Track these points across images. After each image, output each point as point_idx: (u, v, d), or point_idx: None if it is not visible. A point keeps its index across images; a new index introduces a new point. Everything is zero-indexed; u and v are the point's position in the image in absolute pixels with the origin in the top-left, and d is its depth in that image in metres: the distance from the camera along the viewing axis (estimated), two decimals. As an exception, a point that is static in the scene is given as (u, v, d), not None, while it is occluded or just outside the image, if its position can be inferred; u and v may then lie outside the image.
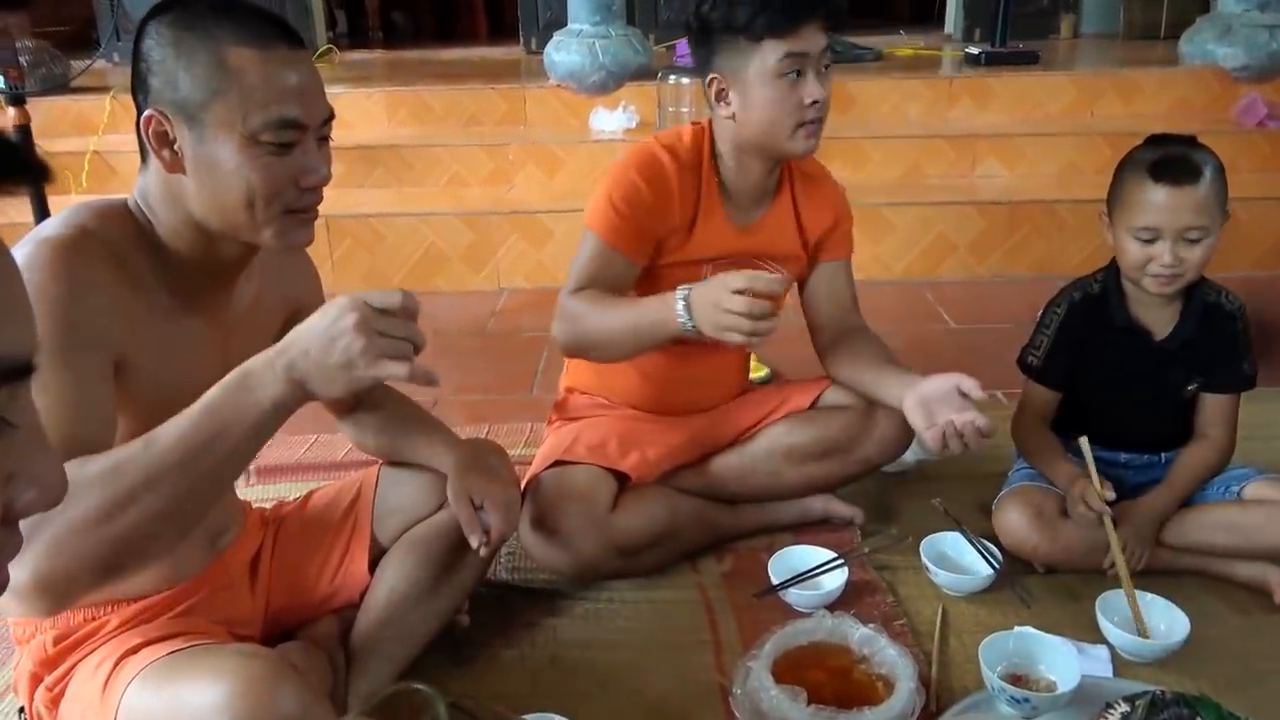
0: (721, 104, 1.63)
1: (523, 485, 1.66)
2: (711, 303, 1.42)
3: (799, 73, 1.55)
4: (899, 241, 3.47)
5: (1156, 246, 1.55)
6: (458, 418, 2.34)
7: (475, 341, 3.05)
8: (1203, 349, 1.66)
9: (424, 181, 3.81)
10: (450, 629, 1.53)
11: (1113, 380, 1.70)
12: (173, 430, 0.95)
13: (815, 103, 1.56)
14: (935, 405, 1.52)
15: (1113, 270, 1.68)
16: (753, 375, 2.43)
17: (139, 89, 1.09)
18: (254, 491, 2.01)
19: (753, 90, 1.58)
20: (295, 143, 1.08)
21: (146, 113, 1.07)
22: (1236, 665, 1.48)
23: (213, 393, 0.98)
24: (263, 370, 0.98)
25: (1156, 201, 1.54)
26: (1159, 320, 1.66)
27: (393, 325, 0.99)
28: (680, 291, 1.47)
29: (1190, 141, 1.59)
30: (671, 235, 1.67)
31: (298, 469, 2.14)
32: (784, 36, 1.53)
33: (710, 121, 1.70)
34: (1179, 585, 1.63)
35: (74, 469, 0.91)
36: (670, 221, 1.65)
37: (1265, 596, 1.62)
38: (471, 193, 3.77)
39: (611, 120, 3.84)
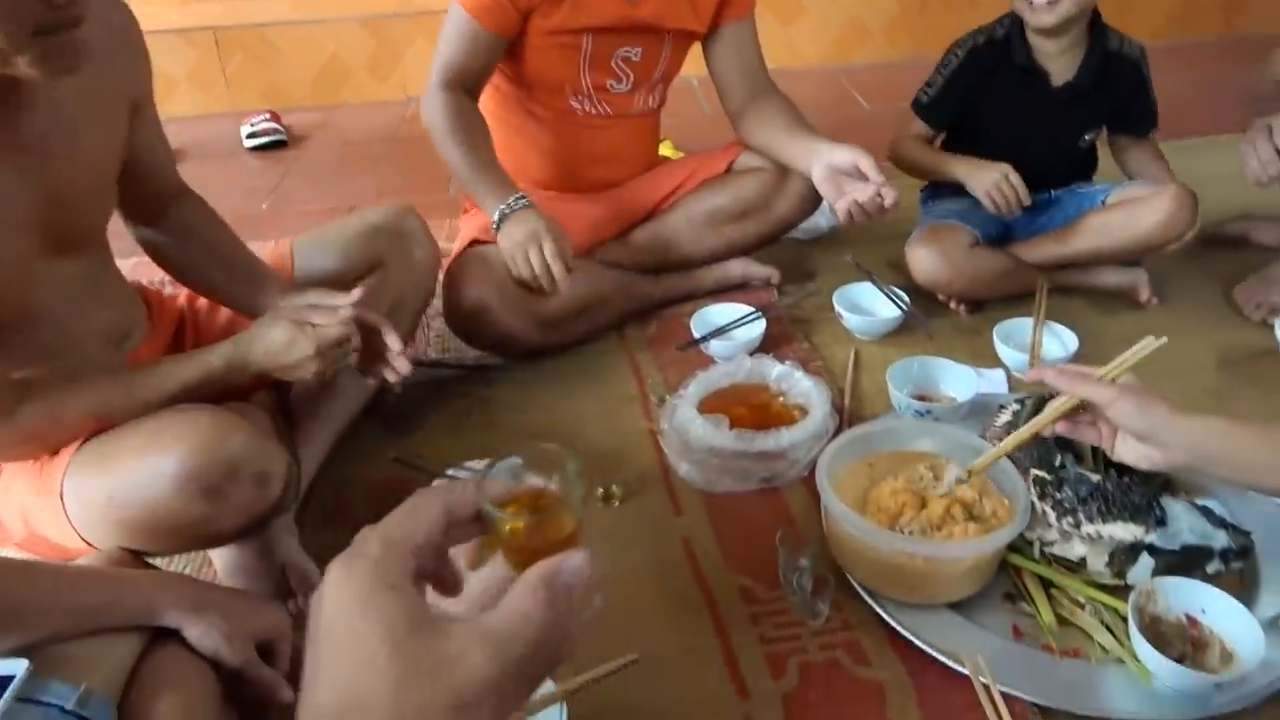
0: None
1: (444, 269, 1.68)
2: (518, 241, 1.55)
3: None
4: (811, 24, 3.42)
5: None
6: (376, 220, 2.32)
7: (387, 148, 2.97)
8: (1104, 97, 1.73)
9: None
10: (382, 399, 1.57)
11: (1009, 122, 1.77)
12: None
13: None
14: (842, 178, 1.60)
15: (1016, 15, 1.73)
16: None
17: None
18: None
19: None
20: None
21: None
22: (1118, 376, 1.62)
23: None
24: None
25: None
26: (1059, 66, 1.73)
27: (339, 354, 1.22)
28: (510, 205, 1.57)
29: None
30: (544, 2, 1.61)
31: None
32: None
33: None
34: (1068, 307, 1.78)
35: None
36: None
37: (1138, 304, 1.81)
38: (369, -3, 3.56)
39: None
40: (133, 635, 0.95)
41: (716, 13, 1.76)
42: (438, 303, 1.69)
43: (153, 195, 1.33)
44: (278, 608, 1.07)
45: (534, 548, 0.57)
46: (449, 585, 0.52)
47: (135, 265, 1.90)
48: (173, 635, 0.96)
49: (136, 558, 1.12)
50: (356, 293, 1.28)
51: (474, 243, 1.71)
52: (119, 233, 1.28)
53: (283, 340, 1.19)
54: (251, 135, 2.97)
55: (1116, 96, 1.76)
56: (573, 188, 1.84)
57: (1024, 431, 1.14)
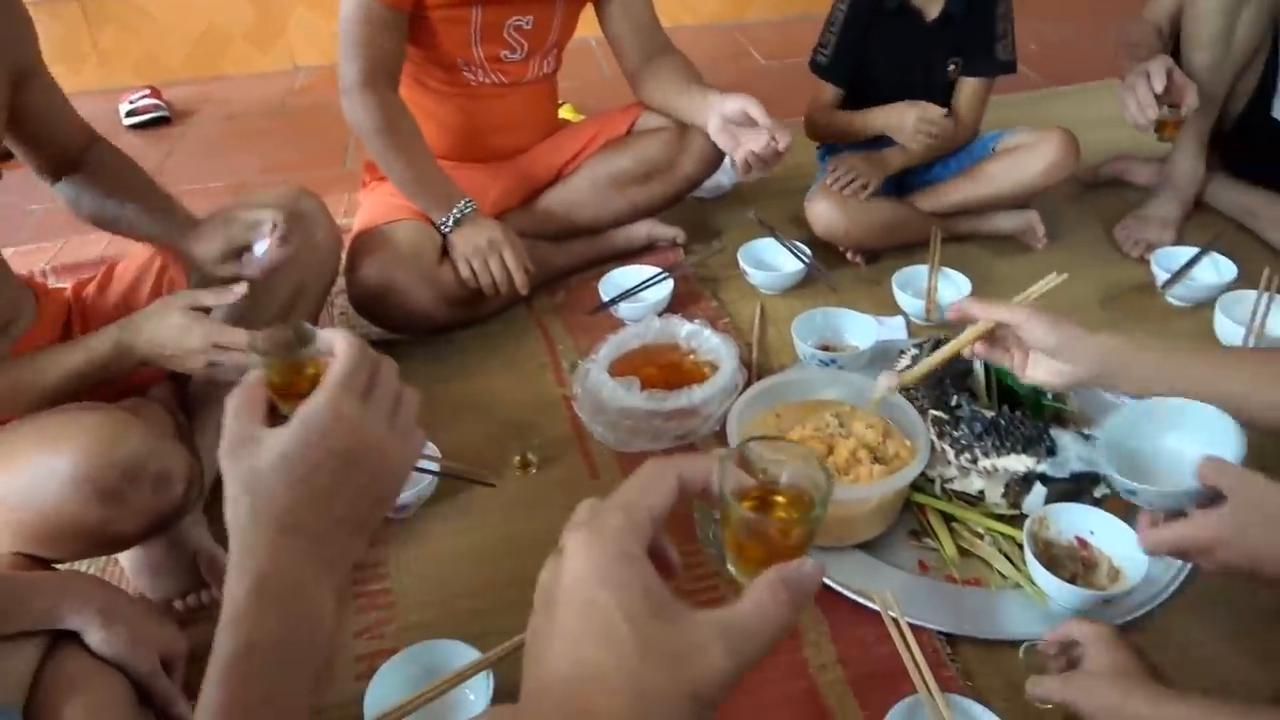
0: None
1: (346, 248, 1.64)
2: (477, 247, 1.60)
3: None
4: (706, -18, 3.42)
5: None
6: (269, 196, 2.25)
7: (275, 122, 2.86)
8: (964, 29, 1.78)
9: (188, -47, 3.41)
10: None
11: (892, 65, 1.81)
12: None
13: None
14: (735, 128, 1.62)
15: None
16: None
17: None
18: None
19: None
20: None
21: None
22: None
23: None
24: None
25: None
26: (932, 5, 1.77)
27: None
28: (460, 209, 1.62)
29: None
30: None
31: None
32: None
33: None
34: (963, 252, 1.85)
35: None
36: None
37: (1029, 246, 1.89)
38: (246, -37, 3.41)
39: None
40: (33, 640, 0.92)
41: None
42: (340, 280, 1.65)
43: (64, 150, 1.32)
44: (176, 628, 1.04)
45: (764, 546, 0.56)
46: (666, 563, 0.50)
47: (12, 255, 1.80)
48: (74, 638, 0.93)
49: (35, 562, 1.08)
50: (241, 288, 1.23)
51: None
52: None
53: (175, 327, 1.16)
54: (131, 113, 2.83)
55: (972, 27, 1.79)
56: (474, 158, 1.81)
57: (947, 349, 1.18)
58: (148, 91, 2.91)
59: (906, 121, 1.73)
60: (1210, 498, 0.86)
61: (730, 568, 0.57)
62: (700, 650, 0.40)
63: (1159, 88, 1.61)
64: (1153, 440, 0.98)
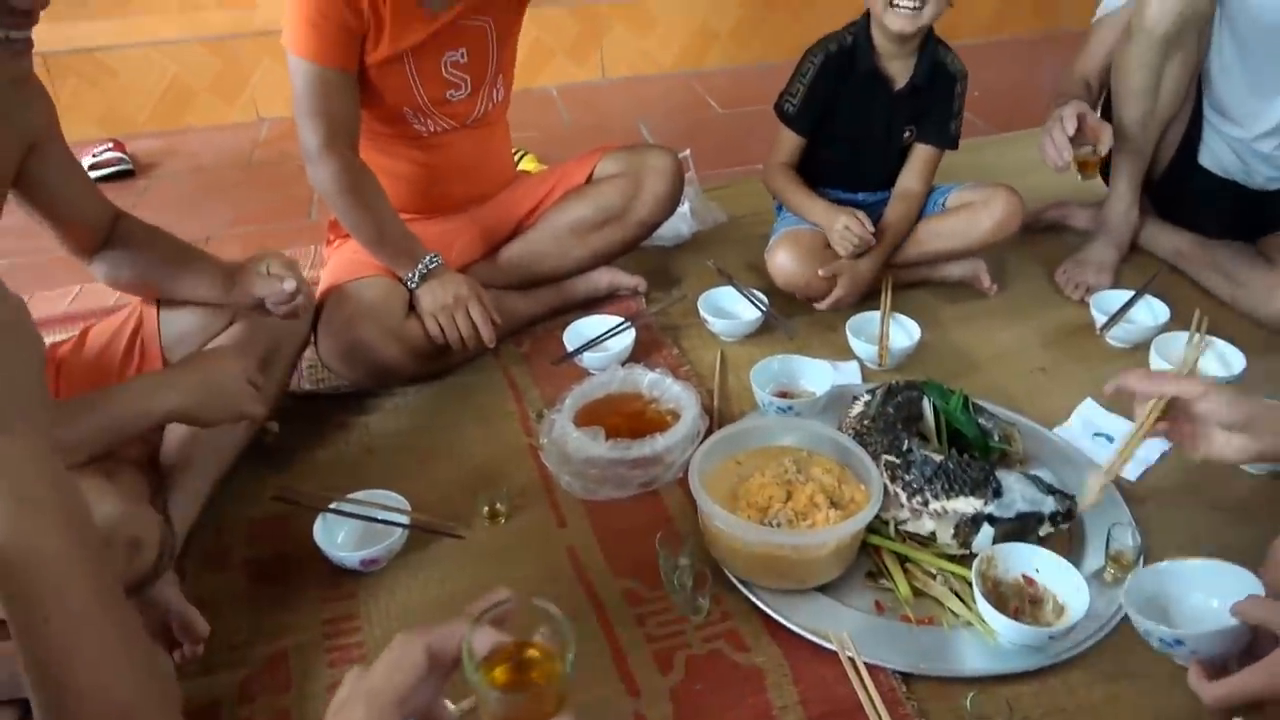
0: None
1: (314, 304, 1.67)
2: (444, 304, 1.66)
3: None
4: (663, 34, 3.51)
5: None
6: (235, 251, 2.27)
7: (241, 174, 2.89)
8: (924, 100, 1.86)
9: (152, 7, 3.41)
10: (260, 439, 1.56)
11: (856, 126, 1.88)
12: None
13: None
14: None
15: (864, 23, 1.84)
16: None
17: None
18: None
19: None
20: None
21: None
22: (958, 360, 1.77)
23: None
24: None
25: None
26: (899, 70, 1.85)
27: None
28: (425, 265, 1.67)
29: None
30: (370, 32, 1.60)
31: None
32: None
33: None
34: (914, 298, 1.92)
35: None
36: (363, 15, 1.57)
37: (978, 291, 1.96)
38: (211, 16, 3.42)
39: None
40: (6, 709, 0.93)
41: None
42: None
43: (92, 225, 1.40)
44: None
45: (520, 715, 0.57)
46: None
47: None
48: None
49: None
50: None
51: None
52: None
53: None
54: (94, 166, 2.84)
55: (934, 99, 1.87)
56: (434, 209, 1.86)
57: (1131, 436, 1.16)
58: (111, 145, 2.92)
59: (836, 225, 1.80)
60: (1252, 635, 0.90)
61: None
62: None
63: (1070, 130, 1.72)
64: (1178, 600, 1.04)
